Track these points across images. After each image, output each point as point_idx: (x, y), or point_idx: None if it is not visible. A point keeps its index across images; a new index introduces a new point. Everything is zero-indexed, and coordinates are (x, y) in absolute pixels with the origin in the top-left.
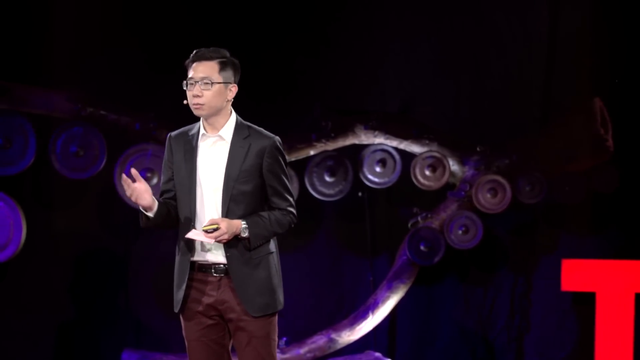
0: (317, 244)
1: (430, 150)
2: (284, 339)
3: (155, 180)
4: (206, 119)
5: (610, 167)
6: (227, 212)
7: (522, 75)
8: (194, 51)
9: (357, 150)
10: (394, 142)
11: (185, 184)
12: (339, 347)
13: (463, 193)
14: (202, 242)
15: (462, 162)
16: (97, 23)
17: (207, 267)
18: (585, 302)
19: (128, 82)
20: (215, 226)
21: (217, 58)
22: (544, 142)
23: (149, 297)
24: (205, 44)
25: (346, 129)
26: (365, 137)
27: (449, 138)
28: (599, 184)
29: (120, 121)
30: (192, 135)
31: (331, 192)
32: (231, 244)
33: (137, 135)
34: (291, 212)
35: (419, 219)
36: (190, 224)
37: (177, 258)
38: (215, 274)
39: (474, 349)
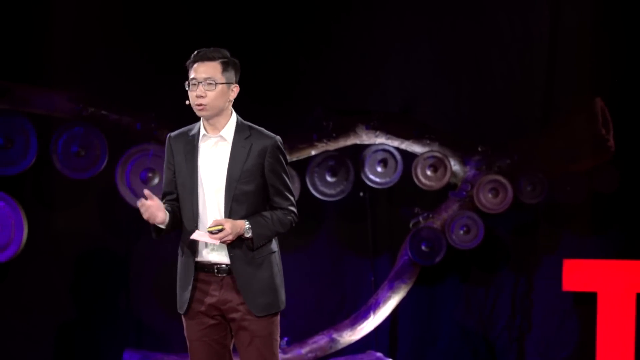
0: (319, 244)
1: (432, 150)
2: (286, 339)
3: (156, 181)
4: (208, 119)
5: (612, 167)
6: (230, 213)
7: (523, 75)
8: (195, 51)
9: (359, 150)
10: (395, 142)
11: (186, 185)
12: (340, 347)
13: (464, 193)
14: (205, 243)
15: (463, 162)
16: (98, 23)
17: (209, 268)
18: (586, 302)
19: (129, 82)
20: (219, 227)
21: (219, 58)
22: (545, 142)
23: (150, 297)
24: (206, 44)
25: (347, 129)
26: (366, 137)
27: (451, 138)
28: (600, 184)
29: (122, 121)
30: (193, 135)
31: (332, 192)
32: (234, 244)
33: (139, 135)
34: (292, 212)
35: (420, 219)
36: (193, 224)
37: (181, 259)
38: (218, 274)
39: (475, 349)
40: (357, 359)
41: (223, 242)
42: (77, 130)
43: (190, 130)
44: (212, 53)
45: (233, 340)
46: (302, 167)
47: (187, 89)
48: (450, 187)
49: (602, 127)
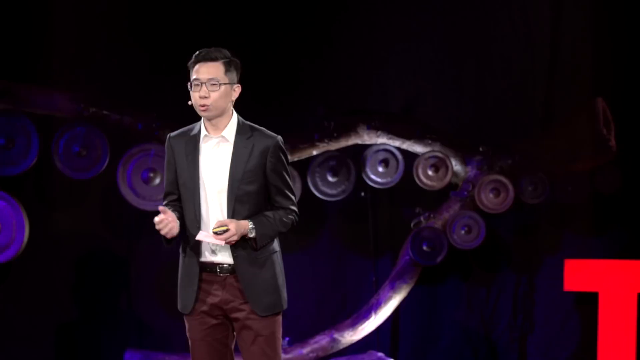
0: (320, 244)
1: (433, 150)
2: (287, 338)
3: (157, 181)
4: (210, 119)
5: (613, 167)
6: (233, 213)
7: (524, 75)
8: (197, 52)
9: (360, 150)
10: (396, 142)
11: (188, 186)
12: (341, 347)
13: (466, 193)
14: (208, 243)
15: (464, 162)
16: (100, 23)
17: (212, 267)
18: (587, 302)
19: (130, 82)
20: (224, 228)
21: (222, 58)
22: (546, 142)
23: (151, 297)
24: (207, 44)
25: (349, 129)
26: (367, 137)
27: (452, 138)
28: (602, 184)
29: (123, 121)
30: (194, 136)
31: (334, 192)
32: (238, 244)
33: (140, 135)
34: (294, 211)
35: (422, 219)
36: (195, 225)
37: (184, 260)
38: (220, 274)
39: (477, 349)
40: (358, 359)
41: (228, 243)
42: (78, 130)
43: (190, 130)
44: (215, 53)
45: (234, 340)
46: (303, 167)
47: (190, 89)
48: (451, 187)
49: (603, 127)
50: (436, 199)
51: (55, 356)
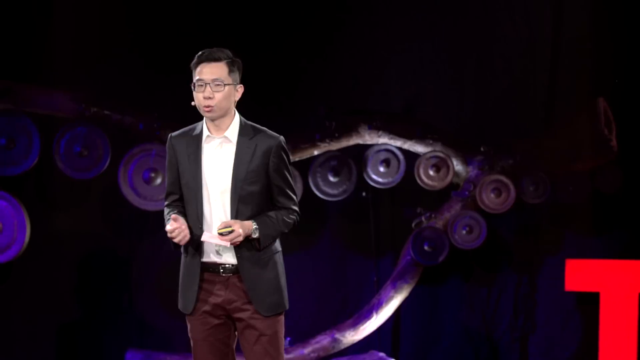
0: (321, 244)
1: (434, 150)
2: (288, 338)
3: (159, 181)
4: (213, 120)
5: (614, 167)
6: (237, 214)
7: (526, 75)
8: (200, 52)
9: (361, 150)
10: (397, 142)
11: (191, 186)
12: (342, 347)
13: (467, 193)
14: (213, 244)
15: (466, 162)
16: (101, 23)
17: (215, 268)
18: (589, 302)
19: (132, 82)
20: (229, 229)
21: (225, 59)
22: (548, 142)
23: (153, 297)
24: (209, 44)
25: (350, 129)
26: (369, 137)
27: (453, 138)
28: (603, 184)
29: (124, 121)
30: (195, 136)
31: (335, 192)
32: (241, 245)
33: (141, 135)
34: (296, 211)
35: (423, 219)
36: (198, 226)
37: (186, 260)
38: (223, 274)
39: (478, 349)
40: (359, 359)
41: (233, 244)
42: (79, 130)
43: (192, 130)
44: (218, 53)
45: (237, 340)
46: (304, 167)
47: (193, 90)
48: (452, 187)
49: (604, 127)
50: (437, 199)
51: (57, 356)
